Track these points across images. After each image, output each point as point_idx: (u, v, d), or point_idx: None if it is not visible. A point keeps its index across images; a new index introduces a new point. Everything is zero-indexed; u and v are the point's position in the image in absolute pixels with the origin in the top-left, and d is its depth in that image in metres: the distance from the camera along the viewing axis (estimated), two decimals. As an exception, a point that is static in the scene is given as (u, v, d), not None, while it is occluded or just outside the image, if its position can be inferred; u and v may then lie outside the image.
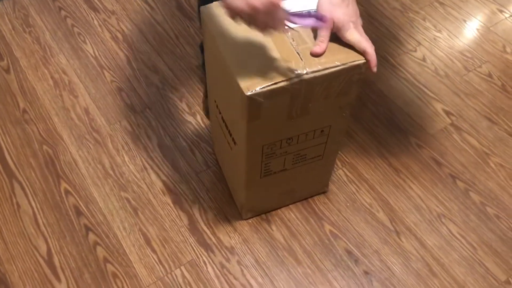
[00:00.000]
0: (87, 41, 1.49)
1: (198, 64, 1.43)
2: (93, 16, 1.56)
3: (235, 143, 0.97)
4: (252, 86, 0.79)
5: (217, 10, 0.88)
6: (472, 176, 1.24)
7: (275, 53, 0.84)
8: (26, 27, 1.52)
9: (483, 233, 1.15)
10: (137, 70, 1.43)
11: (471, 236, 1.14)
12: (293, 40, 0.86)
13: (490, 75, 1.45)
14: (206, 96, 1.31)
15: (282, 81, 0.81)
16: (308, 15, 0.82)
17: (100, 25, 1.53)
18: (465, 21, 1.60)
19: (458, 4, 1.64)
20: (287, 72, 0.81)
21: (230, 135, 0.98)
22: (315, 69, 0.82)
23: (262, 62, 0.83)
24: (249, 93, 0.79)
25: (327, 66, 0.83)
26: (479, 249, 1.13)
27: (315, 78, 0.82)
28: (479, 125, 1.34)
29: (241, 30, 0.85)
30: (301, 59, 0.83)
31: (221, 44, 0.85)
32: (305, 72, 0.81)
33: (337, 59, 0.83)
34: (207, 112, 1.31)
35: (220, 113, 1.02)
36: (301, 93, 0.84)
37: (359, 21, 0.83)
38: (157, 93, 1.38)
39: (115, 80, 1.40)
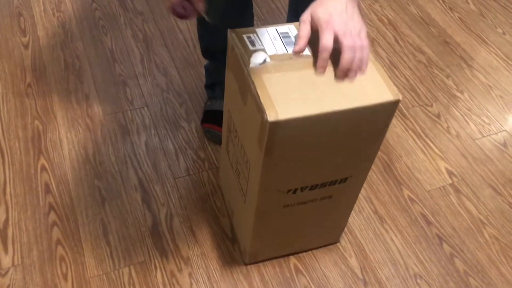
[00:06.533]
0: (109, 34, 1.52)
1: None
2: (121, 13, 1.60)
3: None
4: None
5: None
6: (461, 242, 1.15)
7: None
8: (56, 12, 1.58)
9: (460, 304, 1.05)
10: (147, 70, 1.43)
11: (445, 305, 1.04)
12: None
13: (505, 145, 1.37)
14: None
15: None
16: None
17: (125, 23, 1.57)
18: (490, 87, 1.53)
19: (487, 70, 1.58)
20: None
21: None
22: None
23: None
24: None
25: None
26: (451, 320, 1.02)
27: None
28: (481, 192, 1.25)
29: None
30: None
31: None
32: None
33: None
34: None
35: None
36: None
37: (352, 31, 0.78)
38: (159, 95, 1.37)
39: (123, 74, 1.41)
